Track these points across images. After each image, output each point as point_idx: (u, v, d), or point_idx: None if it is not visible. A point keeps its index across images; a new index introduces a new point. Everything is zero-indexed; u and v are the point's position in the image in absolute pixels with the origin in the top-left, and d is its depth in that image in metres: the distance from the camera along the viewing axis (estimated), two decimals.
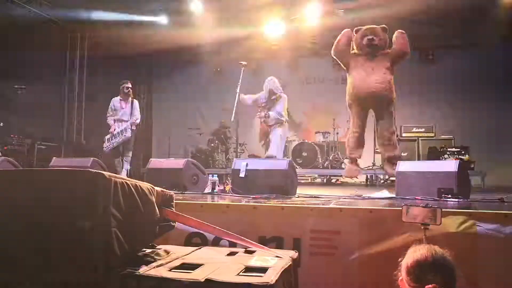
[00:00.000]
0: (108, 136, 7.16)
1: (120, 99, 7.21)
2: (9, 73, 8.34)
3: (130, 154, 7.20)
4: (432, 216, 2.24)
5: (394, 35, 5.61)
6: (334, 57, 5.80)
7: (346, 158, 8.86)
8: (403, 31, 5.63)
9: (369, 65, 5.41)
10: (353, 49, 5.67)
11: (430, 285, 1.55)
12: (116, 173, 6.45)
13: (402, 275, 1.68)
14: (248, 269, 1.99)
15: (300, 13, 9.58)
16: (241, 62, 6.35)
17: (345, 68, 5.74)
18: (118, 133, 7.04)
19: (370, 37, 5.42)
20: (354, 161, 5.45)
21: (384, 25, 5.65)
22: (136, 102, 7.31)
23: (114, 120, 7.17)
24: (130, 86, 7.22)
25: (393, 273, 1.74)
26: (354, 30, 5.74)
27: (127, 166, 7.14)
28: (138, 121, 7.20)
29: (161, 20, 9.50)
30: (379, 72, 5.40)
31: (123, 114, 7.13)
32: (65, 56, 10.14)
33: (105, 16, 9.59)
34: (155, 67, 11.37)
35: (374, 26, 5.63)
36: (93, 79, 10.85)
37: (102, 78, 11.23)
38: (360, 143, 5.58)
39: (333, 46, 5.75)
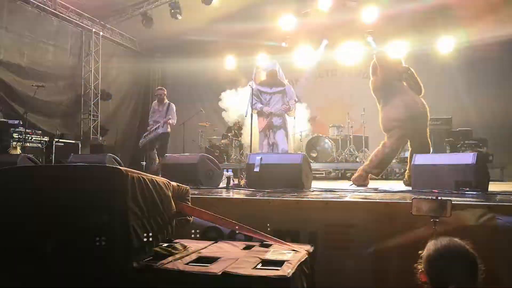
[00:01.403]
0: (146, 133, 7.81)
1: (157, 103, 7.83)
2: (27, 72, 8.51)
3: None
4: (442, 208, 2.20)
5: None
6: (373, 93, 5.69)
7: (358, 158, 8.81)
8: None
9: (406, 91, 5.37)
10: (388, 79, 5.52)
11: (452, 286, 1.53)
12: (153, 162, 6.74)
13: (423, 267, 1.67)
14: (265, 263, 1.99)
15: (312, 6, 9.50)
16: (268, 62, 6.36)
17: (380, 100, 5.62)
18: (152, 129, 7.67)
19: (405, 65, 5.47)
20: (368, 174, 5.30)
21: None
22: (172, 105, 7.78)
23: (153, 121, 7.77)
24: (162, 92, 7.80)
25: (413, 265, 1.72)
26: (377, 58, 5.70)
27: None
28: (171, 121, 7.65)
29: (173, 15, 9.53)
30: (416, 96, 5.36)
31: (159, 116, 7.72)
32: (80, 53, 10.28)
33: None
34: (168, 60, 11.43)
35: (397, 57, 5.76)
36: (109, 76, 10.99)
37: (117, 74, 11.37)
38: (386, 163, 5.46)
39: (371, 83, 5.66)
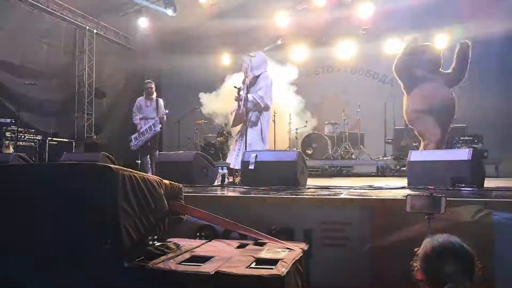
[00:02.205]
0: (135, 135, 7.19)
1: (145, 99, 7.32)
2: (20, 70, 8.41)
3: (157, 153, 6.98)
4: (436, 205, 2.19)
5: (457, 50, 5.41)
6: (395, 75, 5.71)
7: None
8: (468, 43, 5.41)
9: (433, 81, 5.24)
10: (413, 65, 5.50)
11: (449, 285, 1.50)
12: (146, 171, 6.26)
13: (419, 265, 1.64)
14: (259, 261, 1.96)
15: (308, 2, 9.48)
16: (250, 54, 6.17)
17: (403, 84, 5.58)
18: (145, 130, 7.08)
19: (430, 53, 5.35)
20: None
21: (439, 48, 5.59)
22: (160, 100, 7.39)
23: (140, 119, 7.20)
24: (152, 86, 7.37)
25: (410, 263, 1.70)
26: (409, 48, 5.62)
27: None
28: (165, 118, 7.28)
29: (168, 12, 9.48)
30: (444, 88, 5.25)
31: (148, 112, 7.21)
32: (74, 51, 10.19)
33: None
34: (163, 58, 11.35)
35: (431, 44, 5.59)
36: (103, 74, 10.90)
37: (112, 72, 11.29)
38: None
39: (394, 63, 5.67)
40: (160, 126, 7.14)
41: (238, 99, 5.79)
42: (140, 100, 7.38)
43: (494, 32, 8.16)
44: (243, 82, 5.92)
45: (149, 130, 7.09)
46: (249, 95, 5.66)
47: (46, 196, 2.06)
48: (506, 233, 2.54)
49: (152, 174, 5.36)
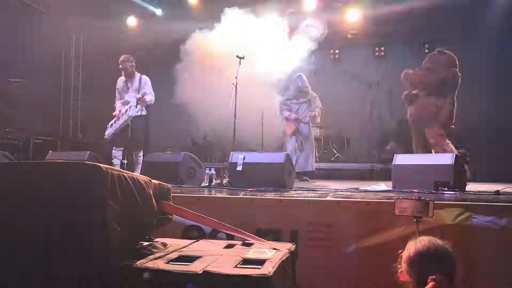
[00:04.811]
0: (112, 121, 5.89)
1: (125, 79, 5.96)
2: (6, 67, 8.27)
3: (140, 154, 5.85)
4: (424, 208, 2.25)
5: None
6: None
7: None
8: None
9: None
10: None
11: (432, 276, 1.55)
12: (111, 166, 5.99)
13: (403, 267, 1.69)
14: (246, 261, 1.98)
15: (297, 6, 9.54)
16: (238, 55, 6.22)
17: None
18: (122, 114, 5.74)
19: None
20: None
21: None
22: (145, 77, 5.93)
23: (121, 103, 5.94)
24: (128, 65, 5.92)
25: (393, 265, 1.75)
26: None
27: (138, 168, 5.74)
28: (148, 97, 5.79)
29: (156, 12, 9.46)
30: None
31: (128, 95, 5.85)
32: (61, 50, 10.06)
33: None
34: (151, 59, 11.26)
35: None
36: (89, 73, 10.78)
37: (98, 71, 11.16)
38: None
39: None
40: (137, 110, 5.63)
41: (312, 115, 7.04)
42: (120, 80, 6.01)
43: (478, 36, 8.37)
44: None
45: (123, 115, 5.69)
46: (316, 112, 7.09)
47: (33, 194, 2.04)
48: (485, 236, 2.62)
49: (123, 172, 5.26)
